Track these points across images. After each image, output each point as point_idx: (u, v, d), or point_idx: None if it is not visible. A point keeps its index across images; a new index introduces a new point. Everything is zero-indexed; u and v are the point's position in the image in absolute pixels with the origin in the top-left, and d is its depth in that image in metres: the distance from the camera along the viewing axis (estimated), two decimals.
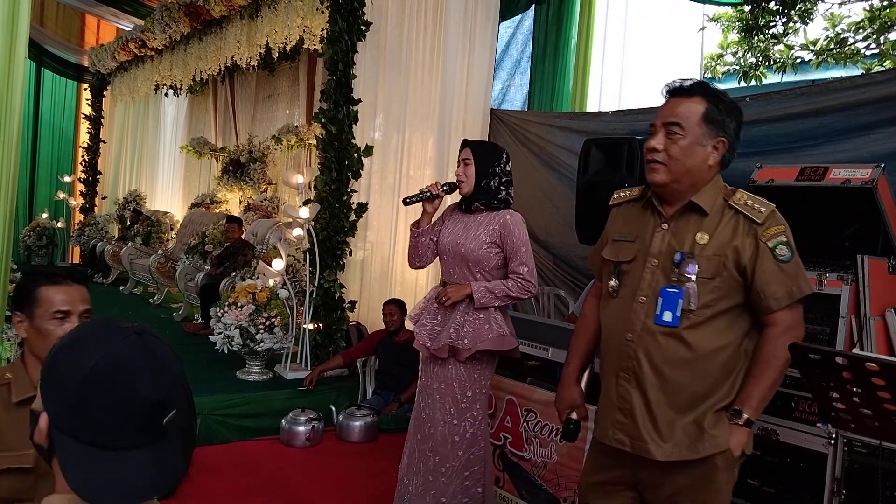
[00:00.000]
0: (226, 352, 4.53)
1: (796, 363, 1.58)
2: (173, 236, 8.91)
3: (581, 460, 2.62)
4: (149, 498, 0.98)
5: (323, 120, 4.73)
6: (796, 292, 1.73)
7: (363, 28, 4.77)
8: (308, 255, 4.75)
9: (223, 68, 7.29)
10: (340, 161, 4.75)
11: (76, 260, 11.08)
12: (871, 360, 1.29)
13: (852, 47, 4.63)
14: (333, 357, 4.67)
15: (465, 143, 2.78)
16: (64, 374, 0.96)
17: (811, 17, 4.54)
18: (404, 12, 5.19)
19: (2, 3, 3.67)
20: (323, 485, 3.54)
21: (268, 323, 4.45)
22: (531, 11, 5.94)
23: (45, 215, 10.85)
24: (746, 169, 3.15)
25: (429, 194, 2.74)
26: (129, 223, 9.68)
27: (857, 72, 4.58)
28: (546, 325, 3.23)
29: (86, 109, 11.23)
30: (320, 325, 4.82)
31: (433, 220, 2.84)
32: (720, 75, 5.37)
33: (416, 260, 2.87)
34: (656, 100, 1.89)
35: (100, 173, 11.13)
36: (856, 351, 1.39)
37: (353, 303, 4.96)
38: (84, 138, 11.12)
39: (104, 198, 11.30)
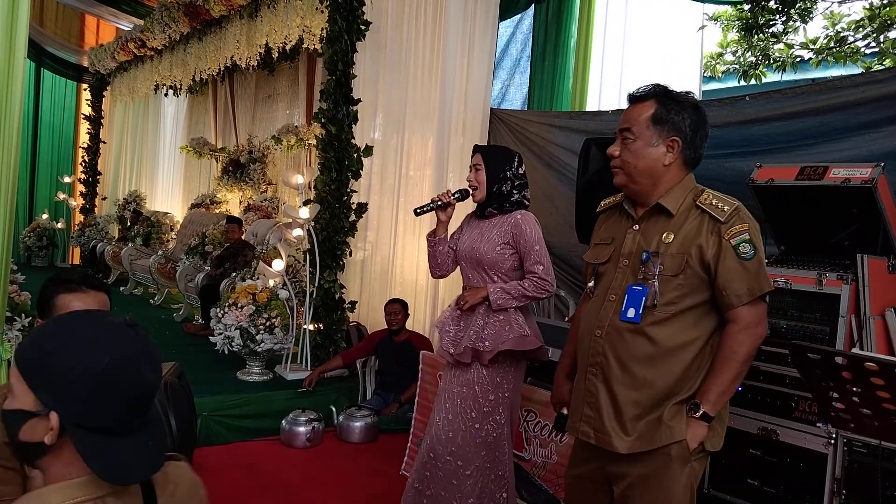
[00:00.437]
0: (226, 352, 4.53)
1: (796, 363, 1.58)
2: (173, 237, 8.91)
3: None
4: (156, 471, 1.11)
5: (323, 120, 4.73)
6: (757, 289, 1.77)
7: (363, 28, 4.77)
8: (308, 256, 4.75)
9: (223, 68, 7.28)
10: (340, 161, 4.75)
11: (76, 261, 11.08)
12: (870, 359, 1.29)
13: (852, 46, 4.62)
14: (333, 358, 4.67)
15: (476, 149, 2.80)
16: (76, 374, 1.01)
17: (811, 15, 4.53)
18: (404, 12, 5.18)
19: (1, 4, 3.66)
20: (323, 485, 3.54)
21: (268, 323, 4.45)
22: (531, 10, 5.93)
23: (45, 216, 10.86)
24: (746, 168, 3.15)
25: (440, 203, 2.76)
26: (129, 224, 9.68)
27: (857, 70, 4.58)
28: (546, 325, 3.22)
29: (85, 110, 11.23)
30: (320, 325, 4.82)
31: (448, 228, 2.85)
32: (720, 74, 5.37)
33: (437, 269, 2.88)
34: None
35: (100, 174, 11.14)
36: (855, 351, 1.38)
37: (353, 303, 4.96)
38: (84, 139, 11.12)
39: (104, 198, 11.30)
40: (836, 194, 2.74)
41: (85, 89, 11.46)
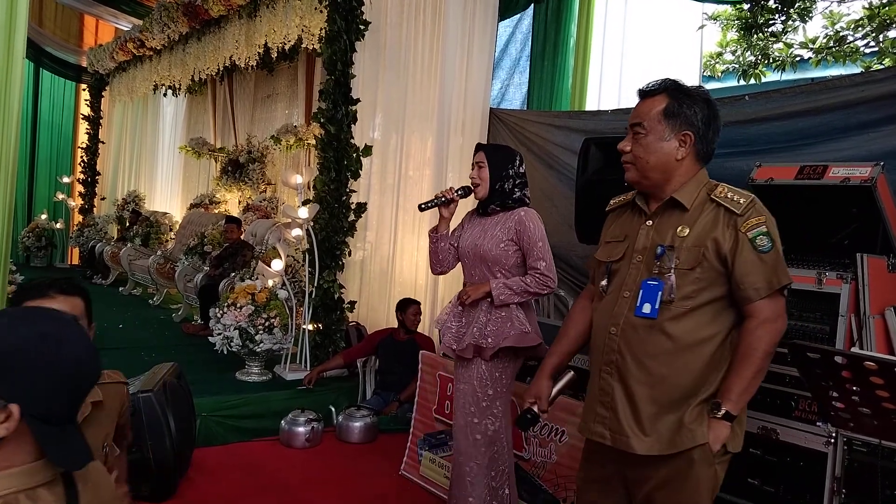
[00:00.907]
0: (225, 353, 4.52)
1: (795, 362, 1.57)
2: (172, 237, 8.90)
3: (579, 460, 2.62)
4: (91, 458, 1.15)
5: (322, 120, 4.73)
6: (775, 282, 1.73)
7: (362, 27, 4.77)
8: (307, 256, 4.75)
9: (222, 68, 7.28)
10: (339, 161, 4.75)
11: (75, 261, 11.08)
12: (869, 358, 1.28)
13: (851, 45, 4.62)
14: (334, 357, 4.67)
15: (479, 147, 2.84)
16: (40, 369, 1.06)
17: (810, 15, 4.53)
18: (403, 11, 5.18)
19: (0, 4, 3.66)
20: (323, 485, 3.53)
21: (267, 324, 4.44)
22: (530, 10, 5.94)
23: (44, 216, 10.85)
24: (746, 167, 3.15)
25: (444, 199, 2.79)
26: (128, 224, 9.67)
27: (857, 70, 4.58)
28: (545, 324, 3.22)
29: (84, 110, 11.23)
30: (319, 325, 4.82)
31: (450, 225, 2.87)
32: (719, 74, 5.37)
33: (438, 265, 2.91)
34: None
35: (98, 174, 11.14)
36: (854, 350, 1.38)
37: (352, 303, 4.95)
38: (83, 139, 11.12)
39: (103, 198, 11.29)
40: (836, 193, 2.74)
41: (84, 89, 11.47)
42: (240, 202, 8.61)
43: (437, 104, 5.41)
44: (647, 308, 1.77)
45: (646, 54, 5.07)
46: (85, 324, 1.81)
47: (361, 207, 4.91)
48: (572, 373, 2.06)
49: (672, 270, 1.75)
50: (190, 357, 4.96)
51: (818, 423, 2.52)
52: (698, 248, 1.75)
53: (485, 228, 2.76)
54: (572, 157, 4.50)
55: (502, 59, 6.22)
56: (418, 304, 4.74)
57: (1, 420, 1.03)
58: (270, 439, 4.07)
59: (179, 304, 7.15)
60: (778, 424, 2.64)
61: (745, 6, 4.39)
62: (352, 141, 4.80)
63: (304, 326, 4.74)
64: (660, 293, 1.76)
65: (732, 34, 5.10)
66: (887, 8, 4.32)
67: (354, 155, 4.81)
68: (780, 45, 4.80)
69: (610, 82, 5.29)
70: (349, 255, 4.89)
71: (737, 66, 5.07)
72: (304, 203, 4.76)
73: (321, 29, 5.00)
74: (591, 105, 5.37)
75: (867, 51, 4.75)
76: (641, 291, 1.79)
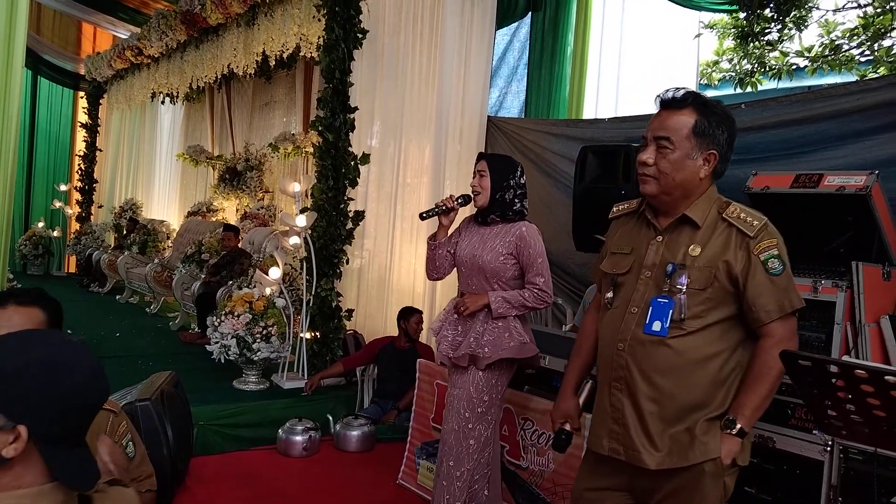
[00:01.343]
0: (222, 361, 4.52)
1: (788, 371, 1.58)
2: (170, 245, 8.89)
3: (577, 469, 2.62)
4: (99, 476, 1.19)
5: (320, 128, 4.74)
6: (787, 305, 1.74)
7: (360, 36, 4.78)
8: (305, 264, 4.75)
9: (220, 76, 7.29)
10: (337, 169, 4.75)
11: (72, 269, 11.06)
12: (859, 367, 1.29)
13: (847, 54, 4.65)
14: (334, 364, 4.67)
15: (481, 156, 2.85)
16: (49, 392, 1.08)
17: (806, 24, 4.56)
18: (401, 20, 5.20)
19: None
20: (320, 494, 3.53)
21: (265, 332, 4.44)
22: (528, 19, 5.97)
23: (41, 224, 10.83)
24: (742, 176, 3.16)
25: (444, 208, 2.80)
26: (125, 232, 9.66)
27: (852, 78, 4.60)
28: (542, 333, 3.23)
29: (82, 118, 11.23)
30: (317, 333, 4.81)
31: (449, 232, 2.89)
32: (716, 82, 5.39)
33: (434, 272, 2.92)
34: (652, 107, 1.91)
35: (96, 182, 11.14)
36: (846, 358, 1.39)
37: (350, 311, 4.95)
38: (80, 147, 11.12)
39: (100, 206, 11.29)
40: (831, 202, 2.76)
41: (81, 97, 11.47)
42: (237, 210, 8.60)
43: (434, 112, 5.43)
44: (657, 326, 1.77)
45: (642, 63, 5.10)
46: None
47: (359, 215, 4.91)
48: (591, 382, 2.08)
49: (683, 290, 1.75)
50: (187, 366, 4.95)
51: (814, 432, 2.52)
52: (710, 269, 1.75)
53: (484, 239, 2.77)
54: (570, 165, 4.52)
55: (500, 67, 6.25)
56: (421, 312, 4.74)
57: (9, 441, 1.05)
58: (268, 448, 4.06)
59: (177, 313, 7.14)
60: (775, 433, 2.65)
61: (741, 15, 4.42)
62: (349, 149, 4.81)
63: (301, 335, 4.74)
64: (670, 311, 1.76)
65: (729, 42, 5.13)
66: (882, 17, 4.36)
67: (352, 163, 4.81)
68: (777, 53, 4.83)
69: (607, 91, 5.32)
70: (347, 263, 4.89)
71: (733, 74, 5.10)
72: (302, 211, 4.76)
73: (319, 37, 5.01)
74: (588, 113, 5.40)
75: (863, 59, 4.77)
76: (651, 308, 1.79)
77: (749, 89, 5.01)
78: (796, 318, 1.80)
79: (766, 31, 4.43)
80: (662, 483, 1.79)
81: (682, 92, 1.83)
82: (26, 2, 3.88)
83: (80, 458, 1.13)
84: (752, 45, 4.68)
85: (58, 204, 11.06)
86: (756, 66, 4.87)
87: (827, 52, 4.66)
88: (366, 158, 4.91)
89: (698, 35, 5.03)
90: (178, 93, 8.57)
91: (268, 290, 4.66)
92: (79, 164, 11.05)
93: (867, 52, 4.59)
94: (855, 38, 4.58)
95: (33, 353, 1.10)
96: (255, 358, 4.45)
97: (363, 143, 5.01)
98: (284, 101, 8.44)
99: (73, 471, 1.11)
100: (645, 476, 1.81)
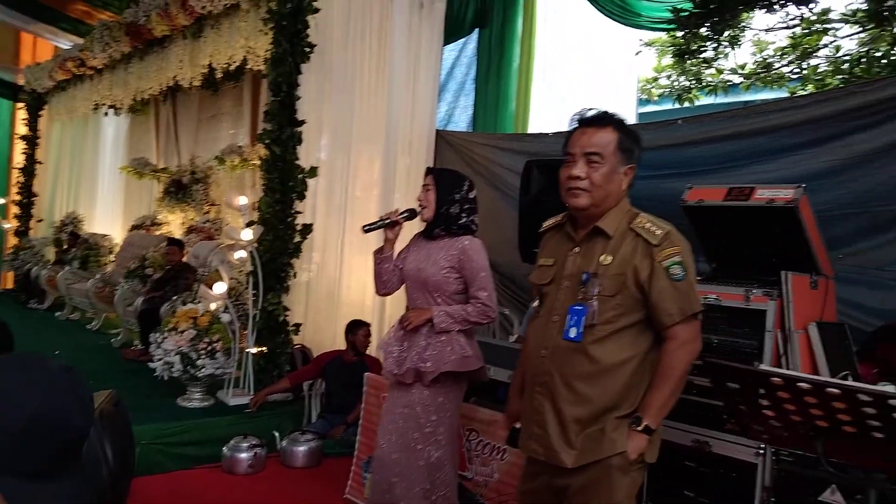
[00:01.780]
0: (166, 378, 4.42)
1: (710, 380, 1.64)
2: (112, 260, 8.65)
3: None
4: None
5: (267, 141, 4.70)
6: (688, 309, 1.87)
7: (307, 50, 4.77)
8: (251, 278, 4.69)
9: (165, 88, 7.17)
10: (284, 182, 4.72)
11: (9, 285, 10.66)
12: (774, 374, 1.35)
13: (778, 72, 4.86)
14: (280, 380, 4.61)
15: (429, 170, 2.85)
16: (2, 419, 1.02)
17: (739, 42, 4.75)
18: (349, 34, 5.22)
19: None
20: None
21: (209, 348, 4.36)
22: (475, 35, 6.06)
23: None
24: (680, 189, 3.26)
25: (388, 221, 2.78)
26: (66, 246, 9.36)
27: (784, 94, 4.80)
28: (489, 344, 3.26)
29: (21, 129, 10.87)
30: (264, 348, 4.75)
31: (395, 246, 2.87)
32: (655, 97, 5.56)
33: (382, 287, 2.91)
34: None
35: (35, 195, 10.77)
36: (763, 366, 1.45)
37: (297, 325, 4.90)
38: (19, 159, 10.76)
39: (40, 220, 10.91)
40: (762, 214, 2.86)
41: (20, 108, 11.11)
42: (183, 223, 8.43)
43: (384, 125, 5.45)
44: (573, 332, 1.89)
45: (586, 79, 5.23)
46: None
47: (307, 229, 4.88)
48: None
49: (595, 296, 1.87)
50: (130, 384, 4.82)
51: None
52: (620, 277, 1.88)
53: (429, 253, 2.76)
54: (516, 178, 4.58)
55: (448, 82, 6.32)
56: (368, 325, 4.70)
57: None
58: (213, 466, 3.98)
59: (119, 329, 6.94)
60: (711, 437, 2.71)
61: (679, 33, 4.57)
62: (297, 162, 4.78)
63: (248, 350, 4.67)
64: (584, 318, 1.88)
65: (667, 60, 5.30)
66: (808, 37, 4.57)
67: (300, 176, 4.79)
68: (713, 70, 5.02)
69: (551, 105, 5.43)
70: (294, 276, 4.84)
71: (672, 90, 5.27)
72: (248, 225, 4.71)
73: (266, 50, 4.98)
74: (533, 127, 5.49)
75: (793, 77, 4.99)
76: (568, 316, 1.90)
77: (687, 104, 5.19)
78: (699, 321, 1.92)
79: (703, 49, 4.61)
80: (576, 479, 1.89)
81: (596, 111, 1.97)
82: None
83: (45, 494, 1.05)
84: (689, 62, 4.85)
85: None
86: (693, 82, 5.06)
87: (759, 70, 4.86)
88: (313, 172, 4.89)
89: (638, 52, 5.20)
90: (122, 105, 8.39)
91: (213, 306, 4.58)
92: (17, 178, 10.68)
93: (796, 70, 4.80)
94: (785, 56, 4.79)
95: None
96: (200, 374, 4.37)
97: (312, 156, 4.99)
98: (232, 113, 8.33)
99: None
100: (563, 475, 1.91)
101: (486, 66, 5.87)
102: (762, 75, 4.84)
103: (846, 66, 4.33)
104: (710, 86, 4.97)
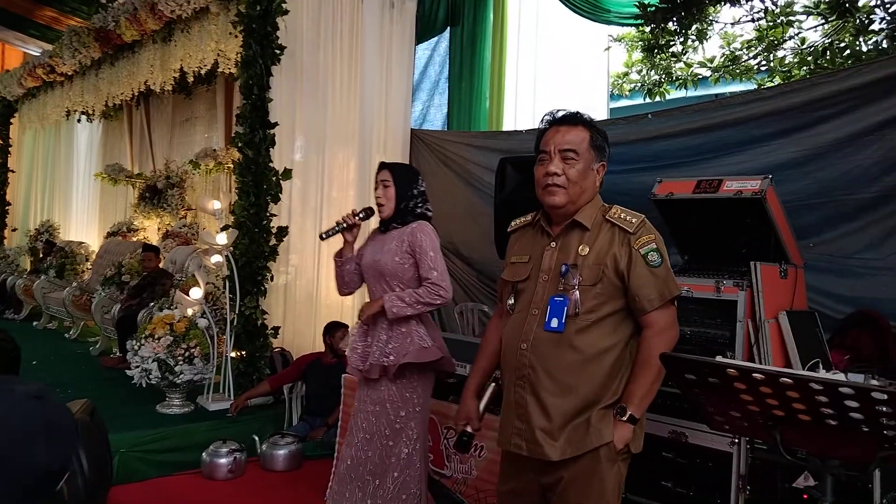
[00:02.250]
0: (144, 386, 4.39)
1: (670, 373, 1.66)
2: (89, 267, 8.57)
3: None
4: None
5: (239, 144, 4.67)
6: (666, 293, 1.90)
7: (277, 52, 4.75)
8: (228, 282, 4.66)
9: (137, 93, 7.11)
10: (258, 185, 4.69)
11: None
12: (730, 366, 1.37)
13: (746, 64, 4.92)
14: (260, 383, 4.59)
15: (384, 165, 2.80)
16: None
17: (707, 36, 4.80)
18: (320, 36, 5.20)
19: None
20: None
21: (187, 354, 4.34)
22: (447, 33, 6.06)
23: None
24: (650, 182, 3.29)
25: (345, 225, 2.75)
26: (41, 255, 9.26)
27: (753, 86, 4.86)
28: (463, 341, 3.28)
29: None
30: (243, 353, 4.73)
31: (355, 247, 2.85)
32: (627, 92, 5.61)
33: (344, 287, 2.90)
34: None
35: (9, 204, 10.61)
36: (719, 358, 1.47)
37: (276, 328, 4.88)
38: None
39: (14, 229, 10.78)
40: (730, 205, 2.90)
41: None
42: (159, 229, 8.37)
43: (358, 126, 5.45)
44: (554, 323, 1.89)
45: (557, 75, 5.25)
46: None
47: (283, 231, 4.85)
48: (494, 384, 2.15)
49: (576, 287, 1.89)
50: (109, 391, 4.80)
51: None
52: (598, 266, 1.90)
53: (384, 243, 2.75)
54: (491, 176, 4.60)
55: (422, 81, 6.32)
56: (347, 327, 4.69)
57: None
58: (192, 473, 3.95)
59: (97, 337, 6.88)
60: (687, 428, 2.75)
61: (647, 28, 4.61)
62: (271, 164, 4.75)
63: (226, 355, 4.65)
64: (565, 308, 1.89)
65: (637, 55, 5.35)
66: (773, 30, 4.62)
67: (274, 178, 4.76)
68: (682, 64, 5.07)
69: (524, 102, 5.45)
70: (271, 279, 4.82)
71: (642, 84, 5.32)
72: (223, 228, 4.68)
73: (237, 53, 4.95)
74: (507, 125, 5.51)
75: (762, 69, 5.05)
76: (549, 308, 1.91)
77: (658, 98, 5.24)
78: (675, 307, 1.95)
79: (671, 43, 4.65)
80: (563, 473, 1.89)
81: (567, 111, 2.00)
82: None
83: None
84: (658, 56, 4.90)
85: None
86: (663, 76, 5.10)
87: (727, 63, 4.92)
88: (288, 174, 4.86)
89: (608, 48, 5.23)
90: (94, 110, 8.30)
91: (190, 311, 4.56)
92: None
93: (763, 63, 4.86)
94: (752, 49, 4.85)
95: None
96: (178, 381, 4.34)
97: (286, 158, 4.97)
98: (206, 116, 8.28)
99: None
100: (549, 470, 1.91)
101: (458, 65, 5.88)
102: (730, 68, 4.90)
103: (811, 57, 4.39)
104: (680, 80, 5.03)
